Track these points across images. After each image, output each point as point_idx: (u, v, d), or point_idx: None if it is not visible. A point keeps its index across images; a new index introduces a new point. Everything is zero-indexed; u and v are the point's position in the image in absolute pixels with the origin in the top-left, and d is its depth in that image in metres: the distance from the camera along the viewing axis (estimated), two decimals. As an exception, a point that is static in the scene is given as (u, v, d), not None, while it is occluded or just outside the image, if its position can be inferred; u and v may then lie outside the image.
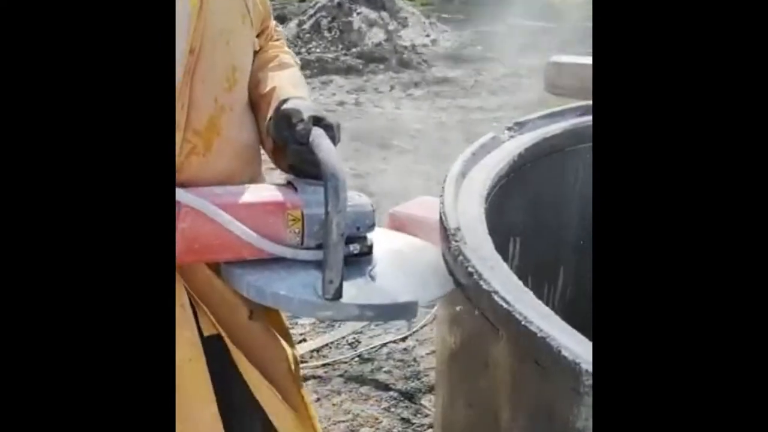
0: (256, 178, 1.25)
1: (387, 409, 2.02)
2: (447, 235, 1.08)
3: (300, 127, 1.09)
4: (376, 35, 8.89)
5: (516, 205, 1.53)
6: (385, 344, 2.34)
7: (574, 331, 0.83)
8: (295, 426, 1.23)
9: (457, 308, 1.12)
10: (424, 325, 2.42)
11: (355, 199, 1.09)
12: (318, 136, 1.07)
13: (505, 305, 0.88)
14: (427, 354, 2.32)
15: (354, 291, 1.00)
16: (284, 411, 1.21)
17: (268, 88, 1.22)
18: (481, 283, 0.93)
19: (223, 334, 1.15)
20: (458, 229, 1.08)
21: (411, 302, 1.00)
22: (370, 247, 1.11)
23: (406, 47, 8.68)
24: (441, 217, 1.13)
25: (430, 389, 2.11)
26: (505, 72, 7.69)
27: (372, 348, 2.33)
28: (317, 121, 1.11)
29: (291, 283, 1.01)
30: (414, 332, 2.42)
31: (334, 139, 1.10)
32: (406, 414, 2.01)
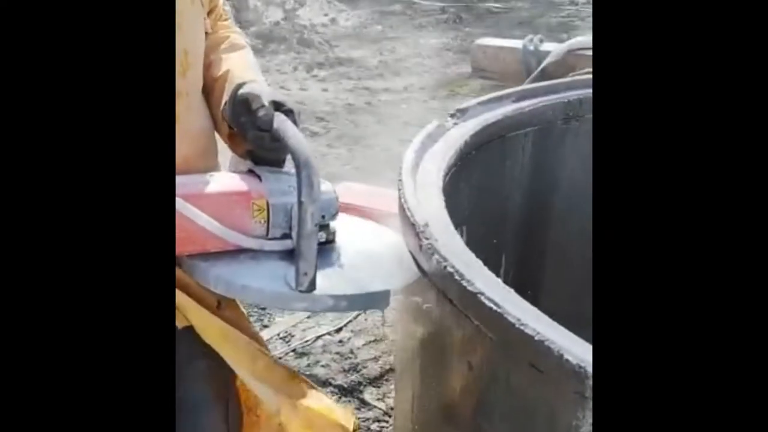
0: (212, 165, 1.21)
1: None
2: (416, 231, 1.04)
3: (262, 113, 1.05)
4: (274, 14, 8.66)
5: (463, 194, 1.52)
6: (319, 337, 2.29)
7: (570, 333, 0.81)
8: (283, 379, 1.21)
9: (425, 306, 1.08)
10: (358, 315, 2.38)
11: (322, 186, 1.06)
12: (282, 122, 1.04)
13: (494, 307, 0.85)
14: (364, 345, 2.28)
15: (326, 282, 0.97)
16: (276, 369, 1.19)
17: (221, 71, 1.18)
18: (464, 284, 0.90)
19: (194, 325, 1.12)
20: (426, 225, 1.05)
21: (384, 291, 1.00)
22: (334, 235, 1.09)
23: (305, 26, 8.51)
24: (405, 212, 1.09)
25: (371, 382, 2.08)
26: (407, 52, 7.69)
27: (306, 342, 2.27)
28: (277, 106, 1.08)
29: (259, 274, 0.99)
30: (348, 323, 2.38)
31: (296, 125, 1.07)
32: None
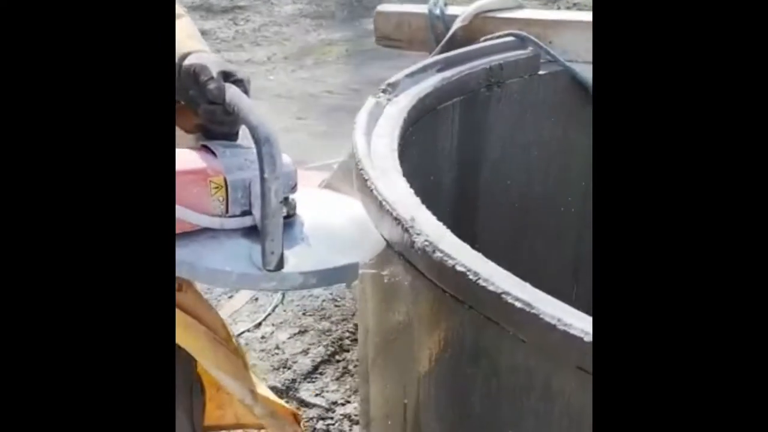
0: None
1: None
2: (404, 226, 0.95)
3: (212, 86, 1.00)
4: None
5: (406, 175, 1.43)
6: (240, 334, 2.14)
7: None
8: (241, 374, 1.23)
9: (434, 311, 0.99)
10: (276, 306, 2.25)
11: None
12: (235, 95, 0.99)
13: (525, 308, 0.77)
14: (289, 338, 2.16)
15: (293, 259, 0.95)
16: (234, 360, 1.21)
17: None
18: (481, 282, 0.82)
19: None
20: (413, 219, 0.96)
21: (352, 264, 0.97)
22: (295, 208, 1.05)
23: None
24: (383, 204, 1.00)
25: (306, 377, 1.97)
26: (263, 21, 7.45)
27: (225, 342, 2.12)
28: (227, 76, 1.03)
29: (223, 255, 0.96)
30: (267, 316, 2.24)
31: (247, 95, 1.03)
32: (285, 409, 1.85)
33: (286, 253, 0.95)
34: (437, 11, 2.00)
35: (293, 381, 1.97)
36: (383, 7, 2.11)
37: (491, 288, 0.81)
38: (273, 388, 1.86)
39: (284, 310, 2.28)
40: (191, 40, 1.13)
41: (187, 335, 1.15)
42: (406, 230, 0.95)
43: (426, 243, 0.91)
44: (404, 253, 0.97)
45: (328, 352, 2.14)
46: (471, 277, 0.84)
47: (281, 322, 2.24)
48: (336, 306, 2.34)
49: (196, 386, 1.29)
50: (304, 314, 2.27)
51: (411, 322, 1.01)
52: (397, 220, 0.97)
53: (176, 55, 1.06)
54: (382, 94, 1.48)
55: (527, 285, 0.81)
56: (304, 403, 1.93)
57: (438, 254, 0.88)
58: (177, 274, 0.93)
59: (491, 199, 1.83)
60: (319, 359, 2.08)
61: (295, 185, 1.05)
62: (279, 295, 2.28)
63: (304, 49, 6.48)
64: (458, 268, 0.85)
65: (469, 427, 0.94)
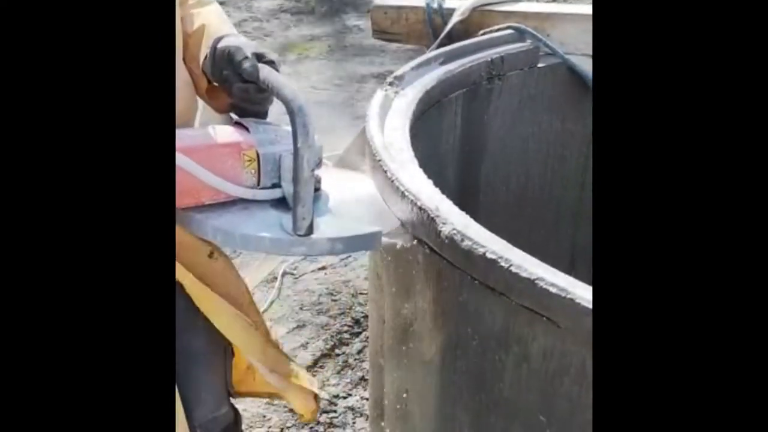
0: (191, 120, 1.23)
1: (271, 404, 1.84)
2: (429, 216, 0.96)
3: (246, 65, 1.05)
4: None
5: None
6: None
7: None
8: (262, 349, 1.30)
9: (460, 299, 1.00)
10: (272, 302, 2.24)
11: None
12: (269, 72, 1.05)
13: (560, 293, 0.79)
14: (288, 333, 2.15)
15: (321, 226, 1.00)
16: (253, 333, 1.27)
17: (195, 26, 1.18)
18: (513, 269, 0.83)
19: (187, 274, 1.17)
20: (438, 209, 0.96)
21: (376, 232, 1.01)
22: (320, 183, 1.10)
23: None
24: (406, 195, 1.01)
25: (307, 371, 1.96)
26: (242, 16, 7.40)
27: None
28: (259, 57, 1.08)
29: (255, 223, 1.01)
30: (264, 311, 2.23)
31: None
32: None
33: (318, 221, 1.00)
34: (435, 5, 2.01)
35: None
36: (381, 1, 2.11)
37: (524, 274, 0.82)
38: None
39: (281, 306, 2.27)
40: (224, 25, 1.19)
41: (207, 304, 1.21)
42: (432, 219, 0.95)
43: (454, 232, 0.92)
44: (429, 242, 0.98)
45: (328, 346, 2.14)
46: (503, 264, 0.85)
47: (279, 317, 2.23)
48: (333, 300, 2.34)
49: (228, 350, 1.35)
50: (301, 309, 2.26)
51: (434, 311, 1.02)
52: (423, 210, 0.97)
53: (210, 38, 1.14)
54: (389, 87, 1.48)
55: (558, 272, 0.82)
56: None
57: (467, 242, 0.89)
58: (213, 239, 1.03)
59: (491, 190, 1.84)
60: (318, 353, 2.08)
61: (320, 161, 1.09)
62: (275, 291, 2.27)
63: (285, 44, 6.45)
64: (489, 255, 0.86)
65: (496, 414, 0.95)
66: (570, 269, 2.22)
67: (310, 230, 0.97)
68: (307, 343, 2.13)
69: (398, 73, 1.52)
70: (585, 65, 1.92)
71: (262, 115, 1.13)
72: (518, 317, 0.86)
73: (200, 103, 1.29)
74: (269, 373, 1.35)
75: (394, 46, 2.18)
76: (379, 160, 1.12)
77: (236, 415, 1.45)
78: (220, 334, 1.27)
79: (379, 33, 2.13)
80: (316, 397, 1.43)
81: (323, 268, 2.60)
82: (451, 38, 1.95)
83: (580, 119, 2.00)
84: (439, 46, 1.91)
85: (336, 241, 0.99)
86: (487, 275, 0.88)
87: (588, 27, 1.93)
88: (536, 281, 0.81)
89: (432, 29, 2.03)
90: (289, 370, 1.39)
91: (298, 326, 2.19)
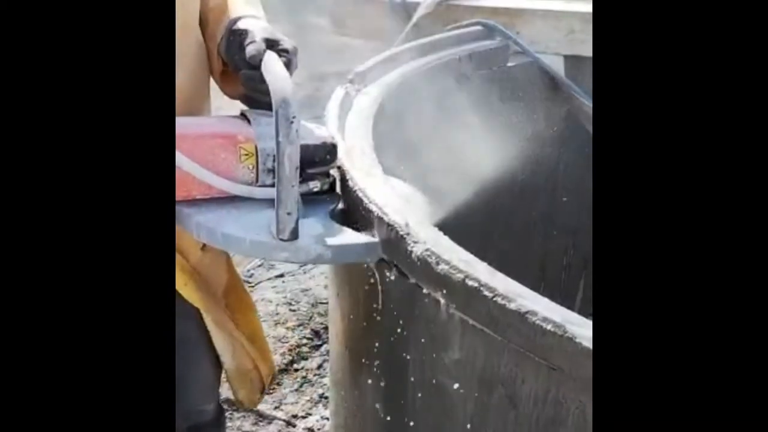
0: (202, 107, 1.17)
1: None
2: (398, 233, 0.84)
3: (251, 48, 0.97)
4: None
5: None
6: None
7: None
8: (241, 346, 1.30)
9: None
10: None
11: (313, 131, 0.99)
12: (270, 59, 0.94)
13: (556, 330, 0.67)
14: (243, 347, 2.01)
15: (312, 231, 0.91)
16: (223, 325, 1.27)
17: (215, 2, 1.11)
18: (499, 300, 0.72)
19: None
20: (407, 224, 0.85)
21: (371, 242, 0.90)
22: (333, 184, 1.01)
23: None
24: (371, 209, 0.89)
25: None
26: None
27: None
28: (271, 44, 0.99)
29: (244, 223, 0.93)
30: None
31: (290, 64, 0.99)
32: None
33: (309, 225, 0.92)
34: (398, -2, 1.89)
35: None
36: (340, -5, 1.99)
37: (512, 306, 0.71)
38: (225, 400, 1.71)
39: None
40: (248, 6, 1.11)
41: (188, 291, 1.19)
42: (401, 238, 0.83)
43: (428, 253, 0.80)
44: (398, 263, 0.86)
45: (285, 361, 2.01)
46: (486, 293, 0.73)
47: (233, 330, 2.09)
48: (291, 311, 2.20)
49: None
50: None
51: (404, 339, 0.90)
52: (390, 226, 0.85)
53: (228, 17, 1.06)
54: (350, 85, 1.36)
55: (552, 303, 0.71)
56: (262, 416, 1.78)
57: (443, 266, 0.77)
58: (196, 237, 0.95)
59: (460, 194, 1.74)
60: (276, 369, 1.94)
61: (334, 159, 0.99)
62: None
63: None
64: (469, 282, 0.74)
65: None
66: (540, 275, 2.14)
67: (294, 235, 0.88)
68: (263, 358, 1.99)
69: (360, 69, 1.40)
70: (556, 65, 1.83)
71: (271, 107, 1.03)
72: (504, 356, 0.74)
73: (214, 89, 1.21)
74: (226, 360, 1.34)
75: (354, 43, 2.06)
76: (339, 167, 0.99)
77: (221, 415, 1.44)
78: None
79: (340, 28, 2.01)
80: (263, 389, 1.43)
81: (281, 276, 2.46)
82: (415, 34, 1.84)
83: (550, 121, 1.91)
84: (404, 42, 1.80)
85: (325, 248, 0.89)
86: (467, 306, 0.76)
87: (559, 24, 1.84)
88: (527, 315, 0.69)
89: (396, 24, 1.92)
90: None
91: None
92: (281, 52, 0.98)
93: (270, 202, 0.93)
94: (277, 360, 1.99)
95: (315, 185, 0.97)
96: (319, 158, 0.97)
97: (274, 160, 0.93)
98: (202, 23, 1.14)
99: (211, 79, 1.19)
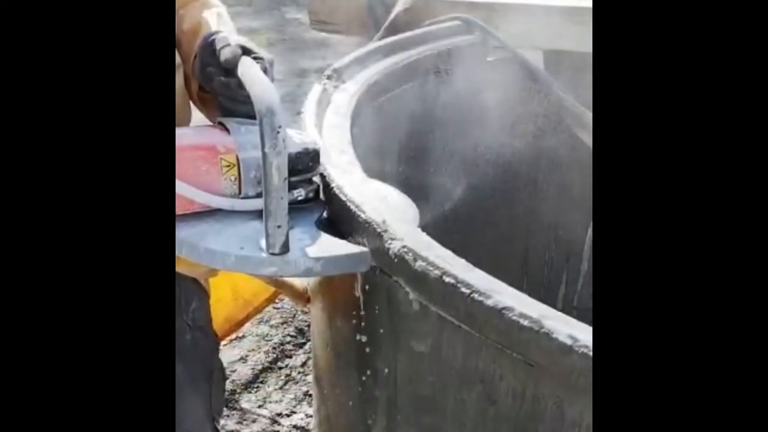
0: (186, 120, 1.15)
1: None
2: (376, 231, 0.83)
3: (227, 51, 0.94)
4: None
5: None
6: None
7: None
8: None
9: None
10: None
11: (293, 137, 0.95)
12: (247, 65, 0.91)
13: (533, 326, 0.67)
14: (225, 345, 2.00)
15: (300, 243, 0.88)
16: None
17: (190, 25, 1.10)
18: (476, 296, 0.71)
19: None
20: (385, 221, 0.84)
21: (361, 252, 0.87)
22: (317, 192, 0.98)
23: None
24: (348, 206, 0.88)
25: (246, 387, 1.82)
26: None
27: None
28: (246, 51, 0.96)
29: (228, 237, 0.89)
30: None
31: (266, 73, 0.94)
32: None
33: (297, 237, 0.88)
34: (377, -7, 1.89)
35: (233, 392, 1.81)
36: (318, -10, 1.98)
37: (489, 303, 0.70)
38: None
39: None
40: (223, 26, 1.08)
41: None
42: (379, 235, 0.83)
43: (405, 250, 0.79)
44: (375, 261, 0.86)
45: (269, 359, 2.00)
46: (463, 289, 0.73)
47: (216, 329, 2.08)
48: (274, 308, 2.19)
49: (213, 375, 1.31)
50: (239, 319, 2.11)
51: (383, 338, 0.90)
52: (368, 224, 0.85)
53: (202, 35, 1.03)
54: (327, 81, 1.35)
55: (530, 299, 0.71)
56: (246, 413, 1.78)
57: (420, 262, 0.77)
58: (178, 253, 0.89)
59: (441, 190, 1.74)
60: (259, 367, 1.94)
61: (316, 166, 0.97)
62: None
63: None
64: (446, 279, 0.74)
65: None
66: (523, 270, 2.14)
67: (285, 248, 0.85)
68: (247, 356, 1.99)
69: (338, 65, 1.39)
70: (536, 60, 1.83)
71: (251, 116, 0.98)
72: (482, 352, 0.74)
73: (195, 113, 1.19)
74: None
75: (335, 38, 2.05)
76: (322, 174, 0.99)
77: None
78: (207, 359, 1.26)
79: (318, 23, 2.00)
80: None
81: (263, 273, 2.44)
82: (394, 29, 1.83)
83: (530, 118, 1.91)
84: (383, 37, 1.79)
85: (314, 261, 0.86)
86: (445, 302, 0.76)
87: (539, 19, 1.84)
88: (503, 311, 0.69)
89: (374, 19, 1.91)
90: None
91: (236, 337, 2.03)
92: (257, 59, 0.95)
93: (253, 214, 0.91)
94: (261, 358, 1.99)
95: (300, 194, 0.95)
96: (302, 166, 0.94)
97: (257, 171, 0.91)
98: (177, 46, 1.12)
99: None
